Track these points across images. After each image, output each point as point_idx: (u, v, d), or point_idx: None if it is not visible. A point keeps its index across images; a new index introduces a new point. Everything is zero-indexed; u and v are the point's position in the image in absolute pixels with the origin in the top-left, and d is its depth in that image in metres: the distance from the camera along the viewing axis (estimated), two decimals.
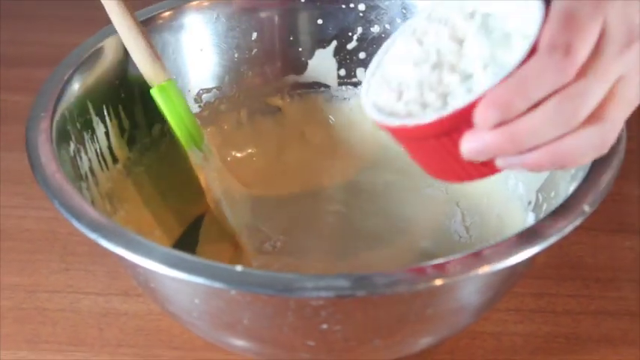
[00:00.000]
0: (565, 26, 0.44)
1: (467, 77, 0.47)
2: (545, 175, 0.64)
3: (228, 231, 0.69)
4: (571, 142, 0.46)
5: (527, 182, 0.66)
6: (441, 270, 0.49)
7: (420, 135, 0.48)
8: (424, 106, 0.48)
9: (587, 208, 0.53)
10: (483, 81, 0.46)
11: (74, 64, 0.64)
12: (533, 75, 0.44)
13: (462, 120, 0.46)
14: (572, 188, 0.56)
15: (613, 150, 0.54)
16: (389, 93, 0.50)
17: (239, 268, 0.49)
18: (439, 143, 0.48)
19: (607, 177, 0.55)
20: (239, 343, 0.57)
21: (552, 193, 0.62)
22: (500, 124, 0.45)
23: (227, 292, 0.50)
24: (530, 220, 0.64)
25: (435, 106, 0.47)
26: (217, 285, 0.49)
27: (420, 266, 0.49)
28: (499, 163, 0.48)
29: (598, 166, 0.55)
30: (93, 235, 0.52)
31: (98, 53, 0.65)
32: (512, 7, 0.48)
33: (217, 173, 0.69)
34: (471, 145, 0.46)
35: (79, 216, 0.53)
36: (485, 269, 0.49)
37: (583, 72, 0.45)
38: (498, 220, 0.68)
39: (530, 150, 0.46)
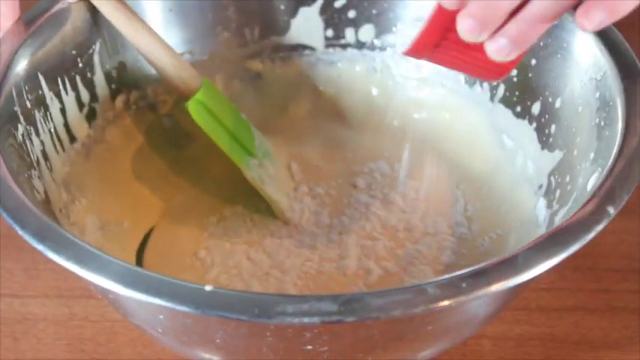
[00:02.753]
0: None
1: None
2: (558, 156, 0.57)
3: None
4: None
5: (538, 162, 0.59)
6: (442, 289, 0.42)
7: (427, 47, 0.50)
8: None
9: (611, 210, 0.46)
10: None
11: (22, 33, 0.56)
12: None
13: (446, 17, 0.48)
14: (593, 177, 0.50)
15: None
16: None
17: (208, 287, 0.42)
18: (451, 49, 0.50)
19: (637, 167, 0.48)
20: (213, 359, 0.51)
21: (567, 178, 0.55)
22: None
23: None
24: (540, 207, 0.57)
25: None
26: (182, 308, 0.42)
27: (418, 285, 0.42)
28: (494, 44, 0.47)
29: (624, 152, 0.49)
30: (40, 247, 0.45)
31: (50, 20, 0.57)
32: None
33: (274, 176, 0.62)
34: (462, 26, 0.47)
35: (24, 223, 0.46)
36: (495, 288, 0.43)
37: None
38: (503, 208, 0.61)
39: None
